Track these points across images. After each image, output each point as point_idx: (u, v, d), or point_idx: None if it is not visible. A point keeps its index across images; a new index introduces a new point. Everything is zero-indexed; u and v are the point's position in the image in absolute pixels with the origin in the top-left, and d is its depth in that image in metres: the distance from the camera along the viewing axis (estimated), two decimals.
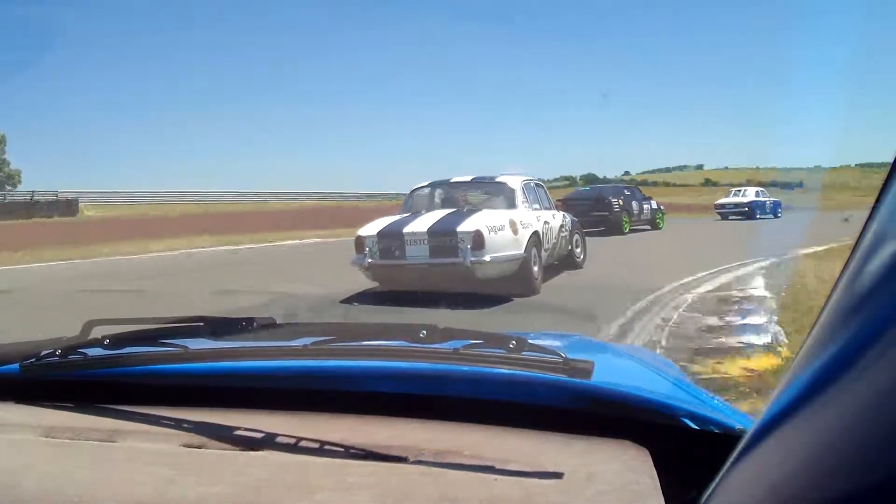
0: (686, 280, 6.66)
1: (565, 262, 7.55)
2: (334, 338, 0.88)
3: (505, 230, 5.74)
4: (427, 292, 5.53)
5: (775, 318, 4.66)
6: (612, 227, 14.73)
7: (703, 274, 7.09)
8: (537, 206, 6.81)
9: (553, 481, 0.63)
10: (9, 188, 29.42)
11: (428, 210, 6.40)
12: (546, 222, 6.65)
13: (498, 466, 0.66)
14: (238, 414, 0.86)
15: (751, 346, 3.93)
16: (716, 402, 0.90)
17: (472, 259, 5.47)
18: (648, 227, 16.57)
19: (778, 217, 21.98)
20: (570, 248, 7.60)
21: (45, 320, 4.91)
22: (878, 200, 0.36)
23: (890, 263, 0.32)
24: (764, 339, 4.09)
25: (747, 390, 3.01)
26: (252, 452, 0.74)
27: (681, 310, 5.19)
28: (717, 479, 0.47)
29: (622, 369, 1.10)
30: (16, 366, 0.95)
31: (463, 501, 0.60)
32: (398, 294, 5.65)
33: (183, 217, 18.10)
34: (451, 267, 5.55)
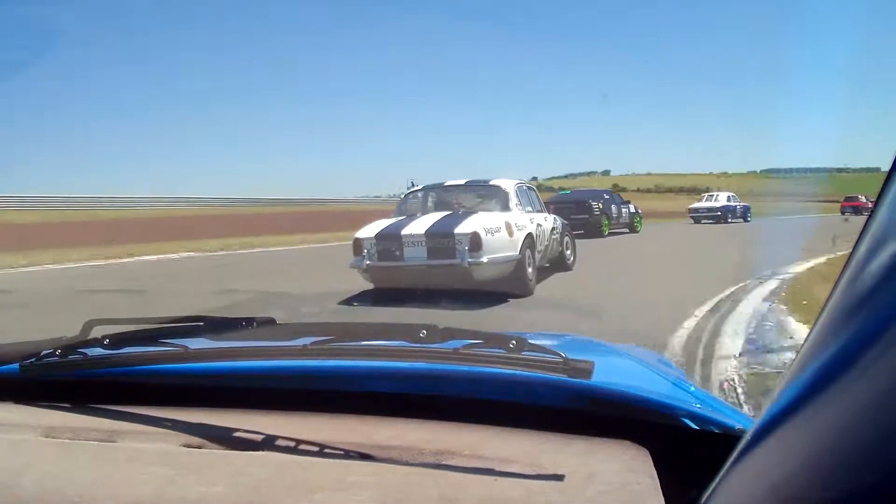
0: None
1: (556, 264, 7.67)
2: (334, 338, 0.88)
3: (501, 232, 5.84)
4: (426, 291, 5.60)
5: None
6: (592, 230, 15.17)
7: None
8: (530, 208, 6.95)
9: (553, 481, 0.63)
10: None
11: (422, 213, 6.50)
12: (539, 224, 6.78)
13: (498, 466, 0.66)
14: (238, 414, 0.86)
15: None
16: (716, 402, 0.90)
17: (470, 260, 5.56)
18: (627, 231, 17.32)
19: (748, 221, 23.17)
20: (560, 249, 7.73)
21: None
22: (878, 200, 0.36)
23: (890, 263, 0.32)
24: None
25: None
26: (252, 452, 0.74)
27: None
28: (717, 479, 0.47)
29: (622, 369, 1.10)
30: (16, 366, 0.95)
31: (463, 501, 0.60)
32: (397, 294, 5.70)
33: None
34: (448, 268, 5.64)
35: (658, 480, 0.63)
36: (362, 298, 6.06)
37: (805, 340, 0.38)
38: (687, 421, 0.75)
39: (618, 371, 1.05)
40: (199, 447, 0.76)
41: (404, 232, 5.85)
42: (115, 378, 0.96)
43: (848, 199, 30.75)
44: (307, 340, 0.88)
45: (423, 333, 0.81)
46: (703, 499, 0.48)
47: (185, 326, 1.00)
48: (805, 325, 4.28)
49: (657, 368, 1.12)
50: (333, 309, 5.67)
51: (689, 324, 4.59)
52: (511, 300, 5.72)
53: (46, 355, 0.94)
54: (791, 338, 4.03)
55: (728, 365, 3.46)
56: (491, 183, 6.93)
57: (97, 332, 0.96)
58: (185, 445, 0.77)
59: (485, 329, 0.85)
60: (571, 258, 8.13)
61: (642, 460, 0.68)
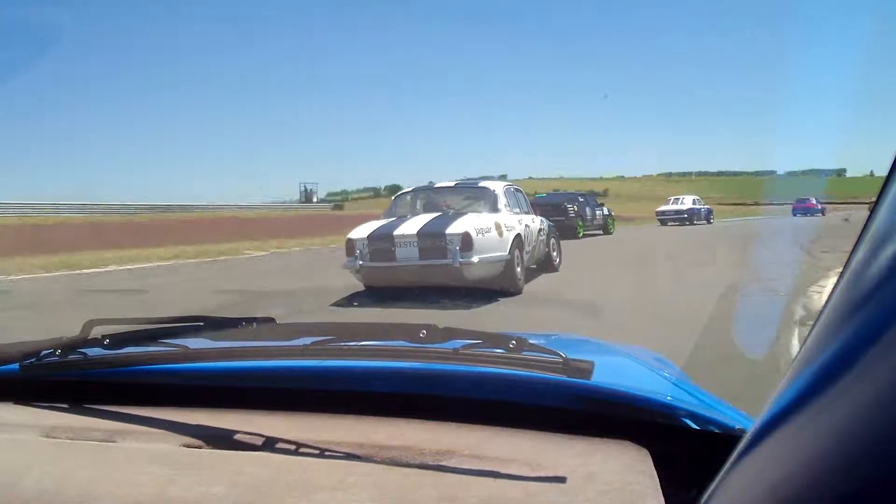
0: None
1: (543, 265, 7.79)
2: (334, 338, 0.88)
3: (491, 233, 5.98)
4: (421, 290, 5.71)
5: None
6: (567, 231, 15.58)
7: None
8: (518, 209, 7.07)
9: (553, 481, 0.63)
10: None
11: (412, 214, 6.61)
12: (527, 226, 6.92)
13: (498, 467, 0.66)
14: (238, 414, 0.86)
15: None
16: (716, 402, 0.90)
17: (461, 260, 5.68)
18: (601, 232, 18.31)
19: (710, 223, 24.75)
20: (547, 251, 7.85)
21: None
22: (878, 200, 0.36)
23: (890, 263, 0.32)
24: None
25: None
26: (252, 452, 0.74)
27: None
28: (717, 479, 0.47)
29: (622, 369, 1.10)
30: (16, 366, 0.95)
31: (463, 501, 0.60)
32: (395, 292, 5.77)
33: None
34: (440, 268, 5.77)
35: (658, 480, 0.63)
36: (361, 298, 6.09)
37: (805, 340, 0.38)
38: (687, 421, 0.75)
39: (618, 371, 1.05)
40: (199, 447, 0.76)
41: (396, 232, 5.97)
42: (115, 378, 0.95)
43: (799, 200, 32.50)
44: (307, 340, 0.88)
45: (423, 333, 0.81)
46: (703, 499, 0.48)
47: (185, 326, 1.00)
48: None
49: (657, 368, 1.12)
50: (331, 309, 5.70)
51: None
52: (505, 299, 5.80)
53: (46, 355, 0.94)
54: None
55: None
56: (480, 185, 7.12)
57: (97, 332, 0.96)
58: (185, 445, 0.77)
59: (485, 329, 0.85)
60: (558, 259, 8.29)
61: (642, 460, 0.68)
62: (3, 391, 0.98)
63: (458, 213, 6.37)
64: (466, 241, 5.70)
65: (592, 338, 1.50)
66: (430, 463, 0.69)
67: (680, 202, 25.27)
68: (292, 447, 0.75)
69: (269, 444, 0.76)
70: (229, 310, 5.55)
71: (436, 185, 7.46)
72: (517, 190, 7.64)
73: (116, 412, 0.88)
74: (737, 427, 0.73)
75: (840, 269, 0.37)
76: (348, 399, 0.88)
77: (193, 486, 0.64)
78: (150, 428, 0.82)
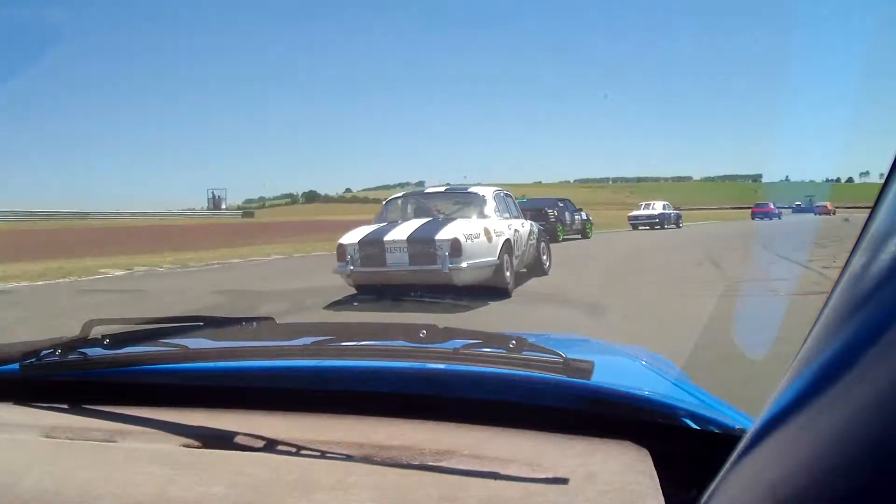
0: None
1: (533, 269, 7.85)
2: (334, 338, 0.88)
3: (480, 238, 6.04)
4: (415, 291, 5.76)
5: None
6: (548, 235, 15.73)
7: None
8: (507, 215, 7.13)
9: (553, 481, 0.63)
10: None
11: (402, 219, 6.67)
12: (516, 230, 6.97)
13: (498, 467, 0.66)
14: (238, 414, 0.86)
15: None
16: (716, 402, 0.90)
17: (451, 265, 5.74)
18: (579, 236, 18.80)
19: (679, 227, 25.85)
20: (537, 255, 7.91)
21: None
22: (878, 200, 0.36)
23: (890, 264, 0.32)
24: None
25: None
26: (252, 452, 0.74)
27: None
28: (717, 479, 0.47)
29: (622, 369, 1.10)
30: (16, 366, 0.95)
31: (463, 501, 0.60)
32: (393, 294, 5.79)
33: None
34: (430, 273, 5.83)
35: (658, 480, 0.63)
36: (361, 298, 6.12)
37: (805, 340, 0.38)
38: (687, 421, 0.75)
39: (618, 371, 1.05)
40: (199, 447, 0.76)
41: (387, 238, 6.02)
42: (115, 378, 0.95)
43: (758, 205, 34.05)
44: (307, 340, 0.88)
45: (423, 333, 0.81)
46: (703, 499, 0.48)
47: (185, 326, 1.00)
48: None
49: (657, 368, 1.12)
50: (330, 309, 5.71)
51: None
52: (505, 299, 5.87)
53: (46, 355, 0.94)
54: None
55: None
56: (470, 190, 7.22)
57: (97, 332, 0.96)
58: (185, 445, 0.77)
59: (485, 329, 0.85)
60: (547, 263, 8.36)
61: (642, 460, 0.68)
62: (3, 391, 0.98)
63: (448, 219, 6.44)
64: (455, 246, 5.77)
65: (592, 338, 1.50)
66: (430, 463, 0.69)
67: (651, 207, 26.28)
68: (292, 447, 0.75)
69: (269, 445, 0.76)
70: None
71: (426, 191, 7.63)
72: (507, 195, 7.70)
73: (116, 412, 0.88)
74: (737, 427, 0.73)
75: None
76: (348, 399, 0.88)
77: (193, 486, 0.64)
78: (150, 428, 0.82)
